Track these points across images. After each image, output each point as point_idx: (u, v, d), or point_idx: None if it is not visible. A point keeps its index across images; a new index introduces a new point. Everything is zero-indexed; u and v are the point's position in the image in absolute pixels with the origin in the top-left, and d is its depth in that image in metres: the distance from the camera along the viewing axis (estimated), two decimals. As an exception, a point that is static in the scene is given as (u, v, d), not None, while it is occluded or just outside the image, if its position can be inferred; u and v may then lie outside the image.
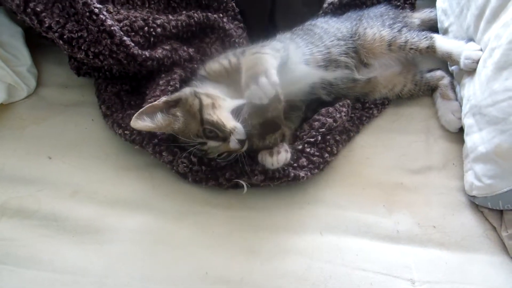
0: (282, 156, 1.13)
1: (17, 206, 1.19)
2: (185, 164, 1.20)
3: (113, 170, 1.28)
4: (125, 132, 1.26)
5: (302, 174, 1.19)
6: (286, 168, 1.18)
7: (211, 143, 1.13)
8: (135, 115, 1.12)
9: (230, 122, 1.13)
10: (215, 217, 1.18)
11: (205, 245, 1.13)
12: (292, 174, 1.18)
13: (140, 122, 1.13)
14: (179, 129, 1.16)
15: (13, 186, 1.23)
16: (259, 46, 1.24)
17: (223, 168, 1.20)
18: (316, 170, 1.23)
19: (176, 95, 1.20)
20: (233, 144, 1.11)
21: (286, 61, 1.23)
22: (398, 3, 1.64)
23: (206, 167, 1.21)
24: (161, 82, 1.31)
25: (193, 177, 1.21)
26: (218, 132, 1.12)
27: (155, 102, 1.16)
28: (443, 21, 1.51)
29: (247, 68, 1.08)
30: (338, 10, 1.60)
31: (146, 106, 1.15)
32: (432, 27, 1.58)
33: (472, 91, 1.25)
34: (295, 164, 1.21)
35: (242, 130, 1.13)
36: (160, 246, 1.12)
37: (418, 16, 1.61)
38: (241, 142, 1.12)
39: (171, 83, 1.31)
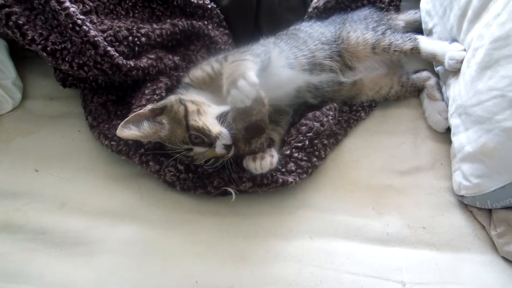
0: (266, 161, 1.13)
1: (4, 220, 1.17)
2: (172, 173, 1.19)
3: (101, 180, 1.27)
4: (112, 143, 1.26)
5: (290, 179, 1.19)
6: (274, 173, 1.18)
7: (198, 149, 1.13)
8: (121, 124, 1.12)
9: (216, 128, 1.13)
10: (204, 225, 1.18)
11: (195, 253, 1.12)
12: (281, 180, 1.18)
13: (126, 131, 1.12)
14: (165, 136, 1.15)
15: (0, 200, 1.21)
16: (239, 52, 1.25)
17: (211, 176, 1.20)
18: (304, 175, 1.23)
19: (161, 103, 1.20)
20: (219, 149, 1.11)
21: (268, 65, 1.24)
22: (383, 5, 1.64)
23: (194, 174, 1.20)
24: (146, 91, 1.31)
25: (181, 185, 1.20)
26: (204, 138, 1.12)
27: (141, 111, 1.16)
28: (427, 22, 1.52)
29: (227, 76, 1.09)
30: (322, 14, 1.60)
31: (132, 114, 1.15)
32: (417, 28, 1.59)
33: (457, 91, 1.26)
34: (283, 169, 1.21)
35: (228, 135, 1.13)
36: (149, 256, 1.11)
37: (403, 18, 1.61)
38: (227, 147, 1.12)
39: (157, 91, 1.31)
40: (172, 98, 1.21)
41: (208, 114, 1.16)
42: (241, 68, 1.07)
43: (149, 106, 1.18)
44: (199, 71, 1.29)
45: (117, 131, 1.12)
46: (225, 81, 1.08)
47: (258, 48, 1.27)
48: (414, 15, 1.63)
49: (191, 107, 1.16)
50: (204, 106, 1.18)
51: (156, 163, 1.21)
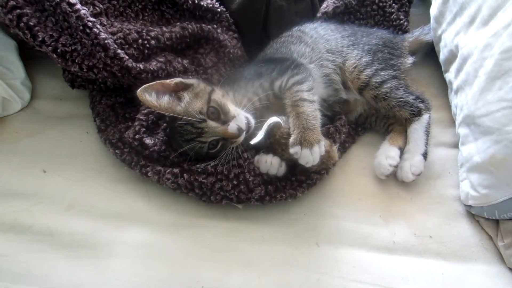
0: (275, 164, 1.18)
1: (12, 221, 1.18)
2: (171, 180, 1.19)
3: (109, 183, 1.28)
4: (116, 151, 1.27)
5: (299, 193, 1.20)
6: (285, 183, 1.20)
7: (211, 123, 1.14)
8: (145, 86, 1.12)
9: (235, 109, 1.18)
10: (211, 230, 1.18)
11: (201, 257, 1.12)
12: (288, 194, 1.19)
13: (147, 96, 1.13)
14: (181, 110, 1.16)
15: (8, 200, 1.22)
16: (295, 83, 1.25)
17: (213, 186, 1.18)
18: (313, 186, 1.23)
19: (190, 80, 1.23)
20: (232, 128, 1.13)
21: None
22: (392, 10, 1.64)
23: (193, 179, 1.19)
24: None
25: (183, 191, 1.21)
26: (221, 114, 1.15)
27: (166, 81, 1.18)
28: (436, 29, 1.53)
29: (302, 125, 1.13)
30: (332, 20, 1.60)
31: (157, 82, 1.15)
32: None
33: (464, 100, 1.26)
34: (294, 178, 1.21)
35: (244, 120, 1.16)
36: (156, 260, 1.12)
37: (412, 41, 1.58)
38: (240, 130, 1.14)
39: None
40: (201, 81, 1.25)
41: (230, 102, 1.20)
42: (317, 128, 1.13)
43: (177, 79, 1.19)
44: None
45: (138, 92, 1.12)
46: (299, 128, 1.12)
47: (306, 78, 1.27)
48: (424, 37, 1.60)
49: (218, 91, 1.21)
50: (229, 99, 1.22)
51: (154, 174, 1.22)
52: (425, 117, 1.31)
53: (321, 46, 1.41)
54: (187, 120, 1.14)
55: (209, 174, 1.18)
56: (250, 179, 1.17)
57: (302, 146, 1.09)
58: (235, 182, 1.16)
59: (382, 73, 1.34)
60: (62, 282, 1.07)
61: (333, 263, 1.11)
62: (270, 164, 1.17)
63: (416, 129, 1.30)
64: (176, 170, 1.19)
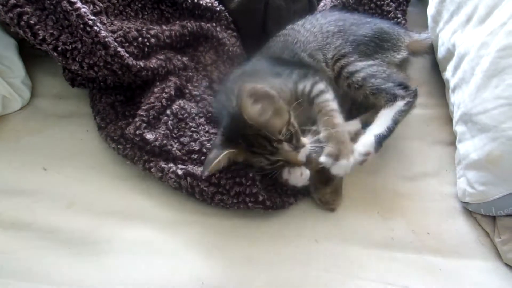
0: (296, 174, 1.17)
1: (13, 218, 1.18)
2: (173, 179, 1.20)
3: (109, 180, 1.28)
4: (118, 146, 1.27)
5: (291, 200, 1.23)
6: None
7: (286, 147, 1.11)
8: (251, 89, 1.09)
9: (303, 138, 1.16)
10: (211, 226, 1.19)
11: (202, 254, 1.13)
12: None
13: (248, 101, 1.08)
14: (262, 123, 1.10)
15: (8, 198, 1.22)
16: (321, 91, 1.23)
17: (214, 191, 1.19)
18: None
19: (272, 91, 1.15)
20: (301, 156, 1.12)
21: None
22: (390, 9, 1.65)
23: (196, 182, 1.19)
24: (155, 90, 1.33)
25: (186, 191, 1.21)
26: (293, 139, 1.12)
27: (258, 85, 1.12)
28: (434, 28, 1.53)
29: (337, 138, 1.13)
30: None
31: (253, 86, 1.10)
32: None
33: (461, 98, 1.27)
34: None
35: (309, 149, 1.15)
36: (156, 257, 1.12)
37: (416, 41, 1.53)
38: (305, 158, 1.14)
39: (166, 90, 1.33)
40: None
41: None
42: (347, 138, 1.15)
43: (266, 88, 1.14)
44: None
45: (244, 96, 1.07)
46: (335, 141, 1.12)
47: (321, 78, 1.28)
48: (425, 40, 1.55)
49: (291, 113, 1.16)
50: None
51: (158, 171, 1.22)
52: (399, 103, 1.23)
53: (313, 39, 1.40)
54: (267, 136, 1.09)
55: (211, 184, 1.17)
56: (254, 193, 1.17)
57: (337, 158, 1.09)
58: (235, 200, 1.17)
59: (358, 63, 1.30)
60: (63, 279, 1.07)
61: (332, 260, 1.12)
62: (301, 175, 1.16)
63: (384, 114, 1.23)
64: (180, 172, 1.19)
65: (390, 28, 1.45)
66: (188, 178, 1.18)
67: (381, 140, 1.19)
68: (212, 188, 1.17)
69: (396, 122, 1.21)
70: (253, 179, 1.16)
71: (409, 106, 1.24)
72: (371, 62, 1.31)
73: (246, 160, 1.18)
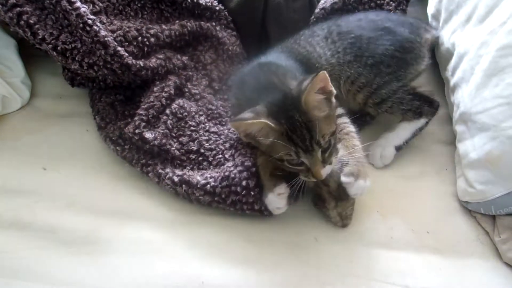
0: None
1: (12, 217, 1.18)
2: (169, 186, 1.20)
3: (109, 180, 1.28)
4: (117, 148, 1.28)
5: None
6: None
7: (319, 154, 1.04)
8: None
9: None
10: (211, 226, 1.19)
11: (201, 254, 1.13)
12: None
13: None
14: (313, 116, 1.05)
15: (8, 197, 1.22)
16: (341, 114, 1.24)
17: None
18: None
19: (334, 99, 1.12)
20: (324, 172, 1.05)
21: None
22: (390, 8, 1.65)
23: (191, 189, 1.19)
24: (155, 89, 1.33)
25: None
26: (327, 152, 1.06)
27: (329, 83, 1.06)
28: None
29: (358, 160, 1.11)
30: (329, 15, 1.60)
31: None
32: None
33: (461, 97, 1.27)
34: None
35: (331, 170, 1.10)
36: (156, 256, 1.12)
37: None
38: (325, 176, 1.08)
39: (165, 89, 1.33)
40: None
41: None
42: (363, 158, 1.15)
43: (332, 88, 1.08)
44: None
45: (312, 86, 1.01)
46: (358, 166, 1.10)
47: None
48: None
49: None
50: None
51: (155, 176, 1.22)
52: (421, 121, 1.29)
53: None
54: (313, 130, 1.02)
55: (206, 193, 1.16)
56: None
57: (356, 178, 1.08)
58: (232, 208, 1.16)
59: (383, 90, 1.27)
60: (63, 278, 1.07)
61: (331, 259, 1.12)
62: (279, 196, 1.11)
63: (405, 127, 1.30)
64: (176, 179, 1.19)
65: (412, 31, 1.35)
66: (184, 185, 1.18)
67: (399, 150, 1.29)
68: (207, 197, 1.16)
69: (414, 136, 1.29)
70: (247, 188, 1.13)
71: (429, 122, 1.31)
72: (395, 85, 1.27)
73: (269, 147, 1.09)
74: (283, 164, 1.08)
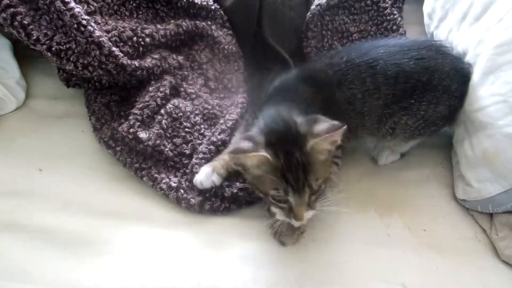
0: None
1: (8, 219, 1.18)
2: (163, 191, 1.21)
3: (105, 180, 1.28)
4: (109, 151, 1.29)
5: None
6: None
7: (307, 196, 0.99)
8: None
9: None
10: (207, 226, 1.18)
11: (197, 254, 1.13)
12: None
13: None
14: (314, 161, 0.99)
15: (3, 199, 1.22)
16: None
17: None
18: None
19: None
20: (306, 217, 1.00)
21: None
22: (386, 5, 1.64)
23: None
24: (150, 89, 1.33)
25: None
26: (314, 197, 1.01)
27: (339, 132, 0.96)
28: (429, 25, 1.53)
29: None
30: (326, 12, 1.59)
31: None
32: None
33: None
34: None
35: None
36: (152, 256, 1.12)
37: None
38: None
39: (161, 89, 1.33)
40: None
41: None
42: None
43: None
44: None
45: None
46: None
47: None
48: None
49: None
50: None
51: (149, 180, 1.23)
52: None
53: None
54: (309, 173, 0.96)
55: (198, 194, 1.20)
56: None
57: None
58: (226, 205, 1.20)
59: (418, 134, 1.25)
60: (59, 280, 1.07)
61: (328, 257, 1.12)
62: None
63: (417, 141, 1.30)
64: (173, 184, 1.21)
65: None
66: (181, 190, 1.21)
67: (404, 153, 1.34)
68: (198, 198, 1.20)
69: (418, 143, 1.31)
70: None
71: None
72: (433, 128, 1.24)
73: (256, 178, 1.02)
74: (266, 197, 1.03)
